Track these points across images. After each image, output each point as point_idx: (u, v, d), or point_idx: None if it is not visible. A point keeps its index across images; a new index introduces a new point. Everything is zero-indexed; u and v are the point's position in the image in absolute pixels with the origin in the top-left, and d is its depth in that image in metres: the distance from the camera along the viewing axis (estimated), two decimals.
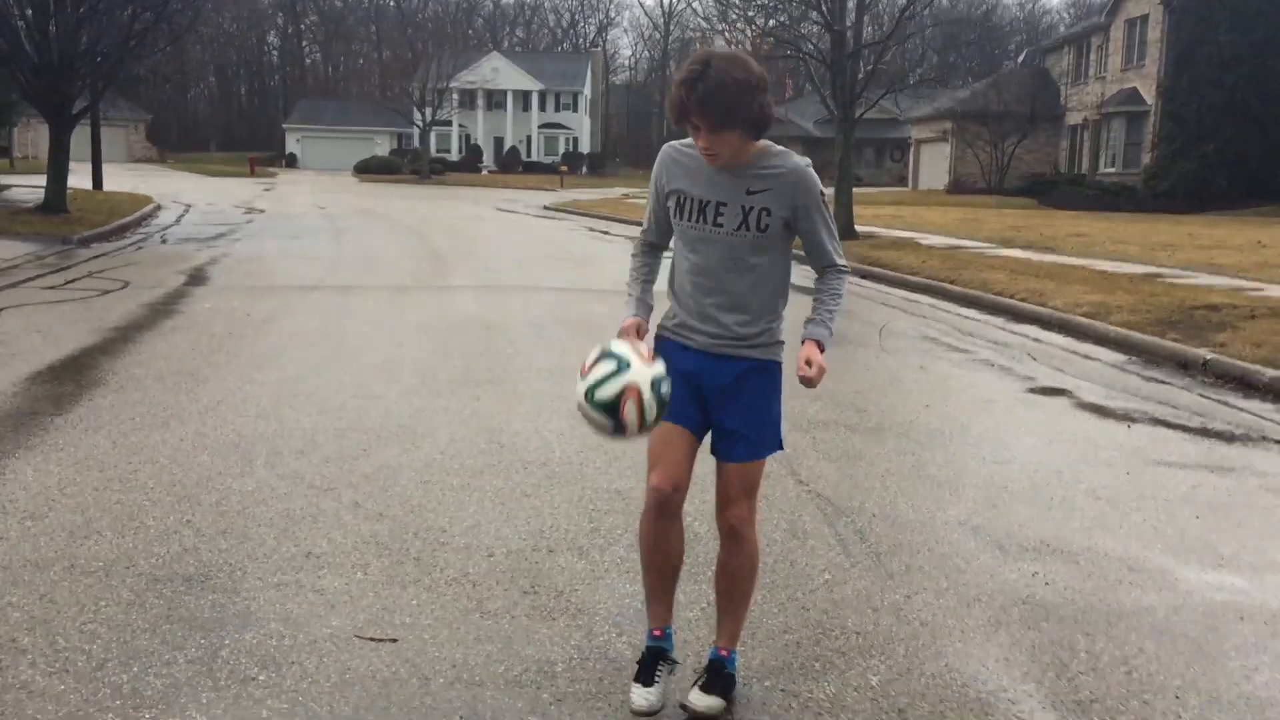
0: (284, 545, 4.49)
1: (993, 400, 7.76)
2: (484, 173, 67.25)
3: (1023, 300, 12.75)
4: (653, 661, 3.27)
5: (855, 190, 46.09)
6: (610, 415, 2.92)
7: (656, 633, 3.33)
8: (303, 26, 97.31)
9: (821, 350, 3.19)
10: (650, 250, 3.47)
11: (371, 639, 3.66)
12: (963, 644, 3.71)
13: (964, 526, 4.93)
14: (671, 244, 3.38)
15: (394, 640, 3.65)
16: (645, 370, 2.95)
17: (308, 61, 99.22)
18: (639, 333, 3.31)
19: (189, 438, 6.10)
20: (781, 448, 3.35)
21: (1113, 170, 39.97)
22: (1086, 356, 9.80)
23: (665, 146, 3.30)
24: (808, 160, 3.18)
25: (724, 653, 3.32)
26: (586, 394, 2.94)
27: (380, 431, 6.34)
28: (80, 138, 31.84)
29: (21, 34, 19.95)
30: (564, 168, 61.59)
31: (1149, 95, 37.92)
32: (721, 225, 3.13)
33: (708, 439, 3.32)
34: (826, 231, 3.23)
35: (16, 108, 27.03)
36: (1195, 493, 5.58)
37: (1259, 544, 4.84)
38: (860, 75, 20.88)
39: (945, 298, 13.97)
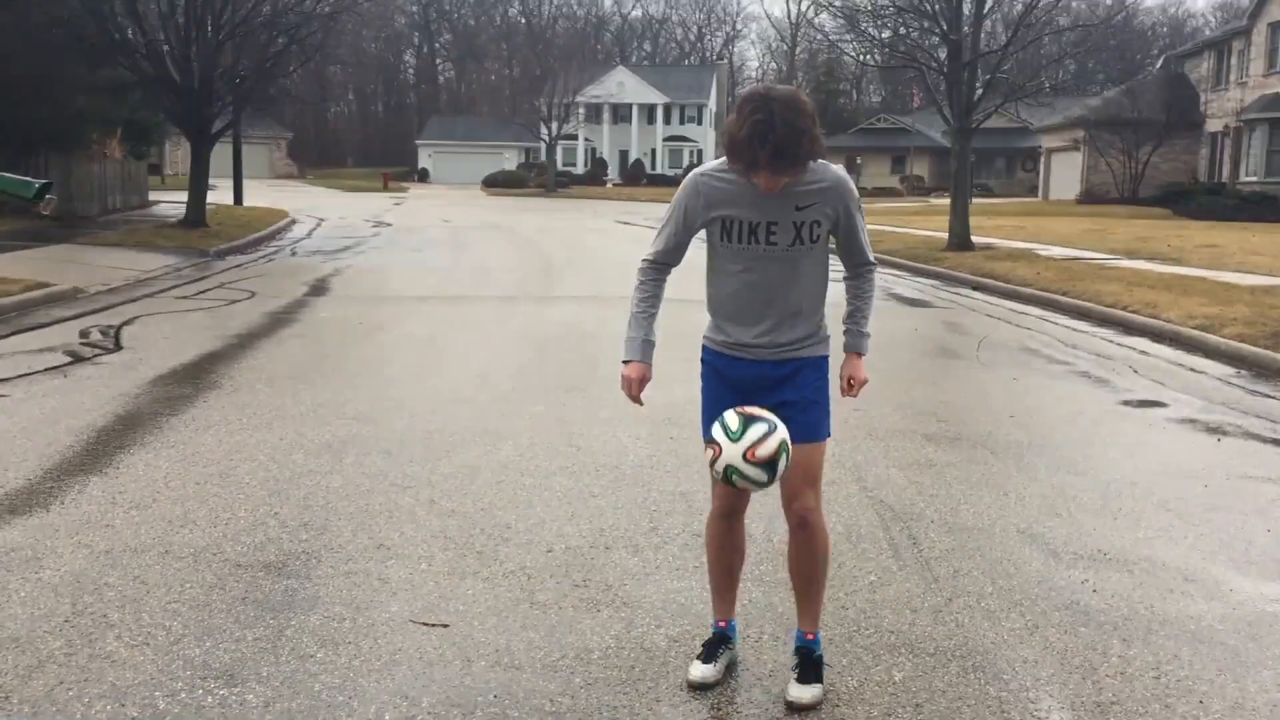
0: (359, 537, 4.78)
1: (1081, 412, 7.66)
2: (609, 185, 68.08)
3: (1135, 312, 12.46)
4: (715, 644, 3.52)
5: (983, 201, 45.13)
6: (770, 469, 3.09)
7: (721, 624, 3.58)
8: (437, 45, 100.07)
9: (863, 356, 3.50)
10: (660, 274, 3.53)
11: (425, 624, 3.90)
12: (994, 645, 3.76)
13: (1022, 534, 4.95)
14: (708, 266, 3.46)
15: (445, 625, 3.88)
16: (783, 428, 3.14)
17: (441, 79, 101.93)
18: (643, 381, 3.49)
19: (288, 437, 6.48)
20: (829, 435, 3.46)
21: (1254, 179, 38.32)
22: (1193, 369, 9.56)
23: (695, 173, 3.36)
24: (842, 167, 3.37)
25: (810, 636, 3.45)
26: (744, 456, 3.07)
27: (466, 434, 6.62)
28: (224, 155, 33.47)
29: (166, 59, 21.14)
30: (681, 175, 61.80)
31: None
32: (775, 243, 3.28)
33: None
34: (863, 232, 3.45)
35: (163, 128, 28.58)
36: (1273, 506, 5.47)
37: None
38: (978, 85, 20.57)
39: (1055, 309, 13.72)
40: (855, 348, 3.51)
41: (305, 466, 5.88)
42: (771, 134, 3.00)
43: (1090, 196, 44.60)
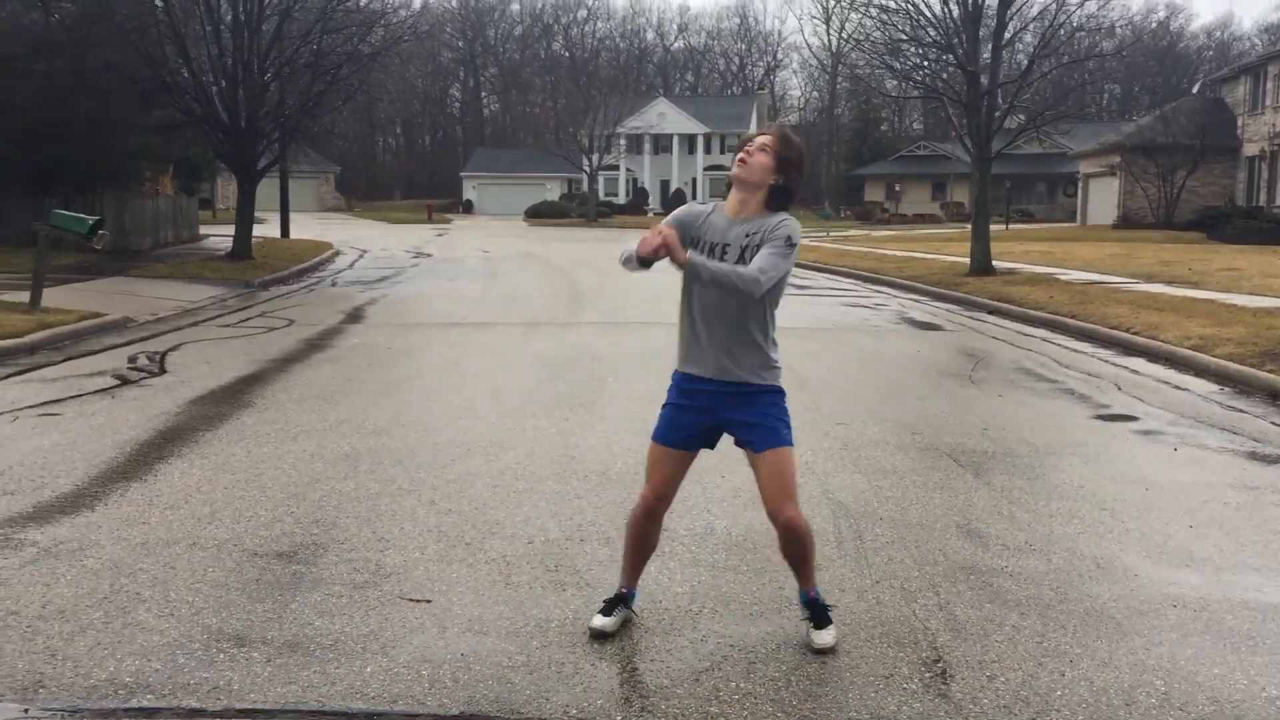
0: (363, 531, 5.39)
1: (1053, 425, 8.12)
2: (650, 215, 68.92)
3: (1136, 334, 12.85)
4: (615, 602, 4.19)
5: (1020, 226, 45.31)
6: None
7: (624, 590, 4.23)
8: (482, 79, 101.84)
9: (685, 259, 3.65)
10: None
11: (410, 600, 4.49)
12: (904, 618, 4.28)
13: (960, 530, 5.45)
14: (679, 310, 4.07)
15: (428, 601, 4.47)
16: None
17: (486, 112, 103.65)
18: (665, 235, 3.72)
19: (310, 449, 7.12)
20: (792, 444, 4.00)
21: None
22: (1177, 387, 9.96)
23: (688, 208, 4.06)
24: (790, 217, 3.89)
25: (811, 593, 4.10)
26: None
27: (472, 445, 7.23)
28: (273, 189, 34.63)
29: (215, 99, 22.16)
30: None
31: None
32: (726, 259, 3.85)
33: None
34: (767, 258, 3.76)
35: (212, 165, 29.71)
36: (1203, 507, 5.92)
37: (1237, 549, 5.20)
38: (996, 114, 21.02)
39: (1063, 331, 14.13)
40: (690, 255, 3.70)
41: (323, 473, 6.50)
42: (786, 131, 3.97)
43: (1127, 221, 44.66)
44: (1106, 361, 11.54)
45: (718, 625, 4.24)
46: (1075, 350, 12.42)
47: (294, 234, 34.75)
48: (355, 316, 15.10)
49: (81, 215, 14.79)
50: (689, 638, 4.12)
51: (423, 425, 7.87)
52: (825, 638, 3.98)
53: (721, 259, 3.84)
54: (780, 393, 4.01)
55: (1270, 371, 9.95)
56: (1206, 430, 8.00)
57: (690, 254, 3.71)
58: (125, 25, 20.94)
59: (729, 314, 3.89)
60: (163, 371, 10.23)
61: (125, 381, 9.65)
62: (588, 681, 3.75)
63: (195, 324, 14.07)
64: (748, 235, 3.83)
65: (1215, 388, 9.93)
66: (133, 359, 10.95)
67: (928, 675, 3.75)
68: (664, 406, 4.11)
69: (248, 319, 14.73)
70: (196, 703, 3.57)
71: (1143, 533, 5.44)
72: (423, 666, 3.84)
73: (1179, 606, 4.43)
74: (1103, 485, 6.35)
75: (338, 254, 29.34)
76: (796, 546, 4.00)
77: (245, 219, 23.21)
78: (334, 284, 21.05)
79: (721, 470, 6.43)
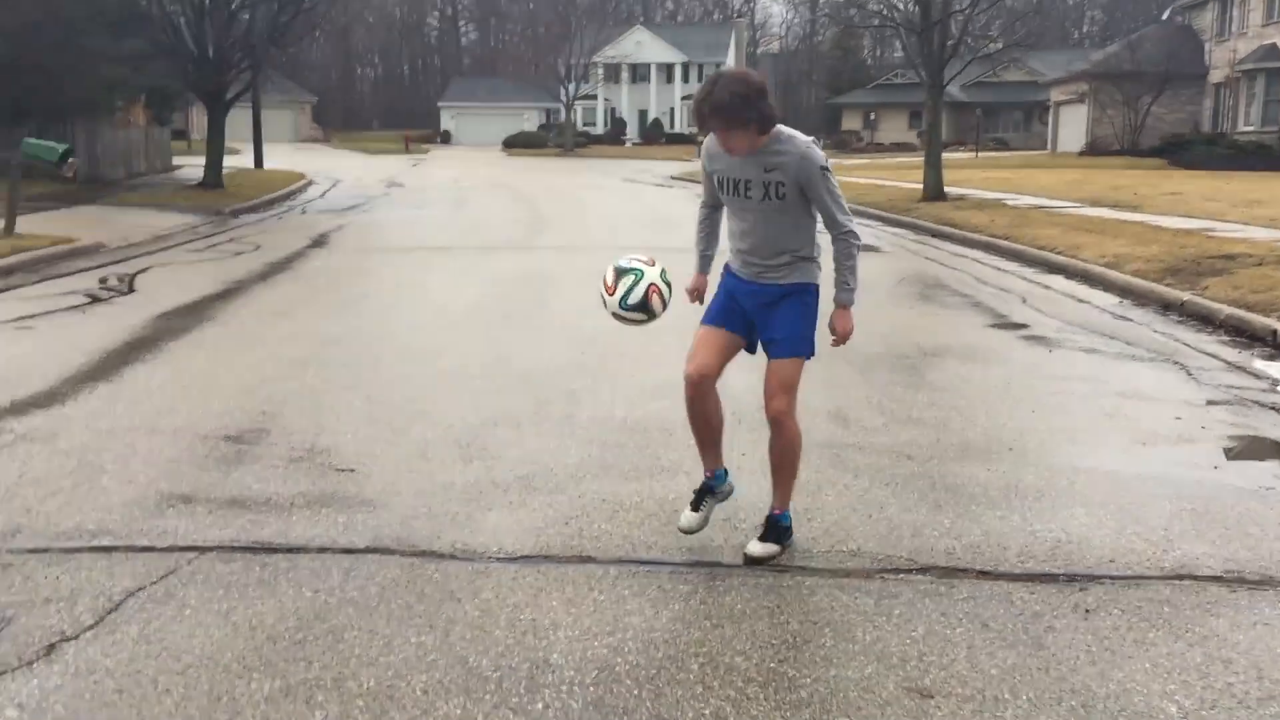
0: (303, 419, 6.11)
1: (948, 333, 8.87)
2: (627, 145, 69.10)
3: (1059, 253, 13.58)
4: (701, 494, 4.33)
5: (991, 154, 45.79)
6: (643, 310, 4.17)
7: (708, 474, 4.35)
8: (460, 6, 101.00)
9: (847, 308, 4.16)
10: (709, 211, 4.46)
11: (337, 469, 5.22)
12: (756, 480, 5.02)
13: (830, 415, 6.20)
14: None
15: (352, 470, 5.21)
16: (654, 270, 4.18)
17: (464, 41, 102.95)
18: (696, 289, 4.46)
19: (265, 356, 7.82)
20: (812, 353, 4.20)
21: (1250, 128, 38.96)
22: (1081, 300, 10.71)
23: (707, 138, 4.10)
24: (809, 139, 4.02)
25: (777, 511, 4.25)
26: (621, 304, 4.14)
27: (411, 352, 7.94)
28: (250, 120, 34.90)
29: (183, 29, 22.49)
30: (701, 138, 62.82)
31: None
32: (751, 197, 4.05)
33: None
34: (830, 198, 4.01)
35: (185, 95, 29.99)
36: (1051, 396, 6.70)
37: (1049, 423, 6.01)
38: (950, 42, 21.53)
39: (995, 252, 14.85)
40: (837, 301, 4.13)
41: (274, 374, 7.21)
42: (709, 99, 3.86)
43: (1094, 148, 45.28)
44: (1024, 279, 12.28)
45: (594, 485, 4.99)
46: (1000, 269, 13.15)
47: (268, 164, 35.09)
48: (320, 242, 15.72)
49: (52, 143, 15.32)
50: (569, 495, 4.87)
51: (371, 336, 8.57)
52: (754, 546, 4.15)
53: (746, 195, 4.05)
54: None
55: (1168, 285, 10.71)
56: (1087, 335, 8.76)
57: (839, 304, 4.14)
58: None
59: (770, 233, 4.13)
60: (131, 291, 10.88)
61: (96, 300, 10.31)
62: (475, 526, 4.50)
63: (165, 249, 14.67)
64: (766, 170, 3.97)
65: (1116, 301, 10.68)
66: (103, 280, 11.58)
67: (759, 519, 4.51)
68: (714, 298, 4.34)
69: (216, 244, 15.33)
70: (148, 542, 4.31)
71: (988, 415, 6.21)
72: (339, 515, 4.59)
73: (988, 469, 5.21)
74: (970, 380, 7.12)
75: (310, 183, 29.78)
76: (776, 444, 4.23)
77: (216, 149, 23.67)
78: (304, 212, 21.60)
79: (631, 371, 7.18)
